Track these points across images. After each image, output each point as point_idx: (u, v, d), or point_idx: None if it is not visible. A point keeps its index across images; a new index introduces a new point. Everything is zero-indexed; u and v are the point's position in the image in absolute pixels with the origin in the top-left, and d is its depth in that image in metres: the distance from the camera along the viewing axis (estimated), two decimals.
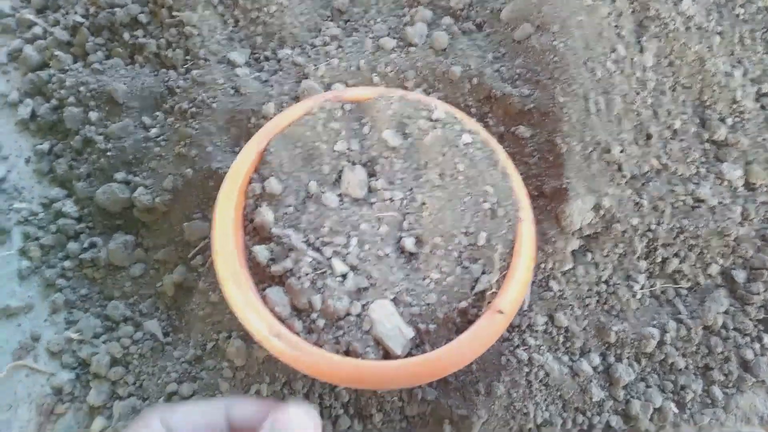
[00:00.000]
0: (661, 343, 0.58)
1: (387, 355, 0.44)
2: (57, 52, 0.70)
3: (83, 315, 0.61)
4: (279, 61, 0.66)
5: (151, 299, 0.62)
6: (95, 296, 0.63)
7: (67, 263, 0.63)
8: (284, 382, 0.56)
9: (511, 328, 0.57)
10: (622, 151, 0.60)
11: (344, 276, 0.46)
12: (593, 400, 0.55)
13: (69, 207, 0.65)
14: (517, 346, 0.56)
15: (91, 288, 0.63)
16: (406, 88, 0.63)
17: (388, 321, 0.44)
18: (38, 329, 0.60)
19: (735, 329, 0.60)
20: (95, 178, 0.65)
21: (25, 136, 0.69)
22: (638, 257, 0.60)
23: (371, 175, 0.52)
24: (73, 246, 0.63)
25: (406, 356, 0.44)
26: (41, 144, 0.68)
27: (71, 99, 0.67)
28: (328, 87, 0.63)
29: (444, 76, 0.63)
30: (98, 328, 0.61)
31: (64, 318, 0.61)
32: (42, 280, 0.62)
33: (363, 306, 0.46)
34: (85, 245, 0.64)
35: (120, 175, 0.64)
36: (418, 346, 0.46)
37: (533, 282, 0.58)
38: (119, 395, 0.59)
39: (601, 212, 0.59)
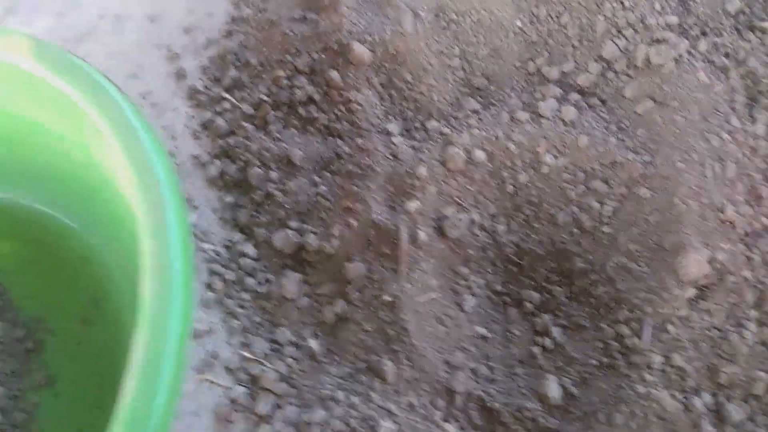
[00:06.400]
0: None
1: None
2: (243, 123, 0.85)
3: (256, 339, 0.73)
4: (427, 131, 0.78)
5: (312, 327, 0.74)
6: (266, 324, 0.75)
7: (244, 295, 0.76)
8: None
9: (630, 365, 0.64)
10: (735, 211, 0.66)
11: None
12: None
13: (248, 249, 0.78)
14: (636, 382, 0.63)
15: (263, 316, 0.75)
16: (538, 153, 0.73)
17: None
18: (218, 349, 0.73)
19: None
20: (272, 225, 0.79)
21: (213, 191, 0.83)
22: (749, 307, 0.65)
23: None
24: (250, 281, 0.76)
25: None
26: (227, 197, 0.82)
27: (255, 161, 0.82)
28: (469, 152, 0.74)
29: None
30: (267, 350, 0.73)
31: (239, 341, 0.74)
32: (223, 308, 0.75)
33: None
34: (260, 281, 0.77)
35: (294, 224, 0.77)
36: None
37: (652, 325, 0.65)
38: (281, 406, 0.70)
39: (716, 265, 0.65)
